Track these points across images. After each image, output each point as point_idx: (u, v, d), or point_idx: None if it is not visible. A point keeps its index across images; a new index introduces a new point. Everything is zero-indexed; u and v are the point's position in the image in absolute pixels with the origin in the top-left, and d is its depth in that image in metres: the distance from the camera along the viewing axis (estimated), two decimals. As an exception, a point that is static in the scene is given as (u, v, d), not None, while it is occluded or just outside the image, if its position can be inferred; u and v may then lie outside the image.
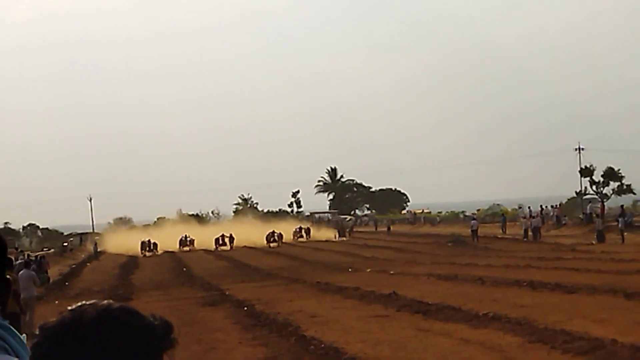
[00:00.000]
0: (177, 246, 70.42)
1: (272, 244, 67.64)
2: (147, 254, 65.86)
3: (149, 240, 69.97)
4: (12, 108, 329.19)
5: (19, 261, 26.66)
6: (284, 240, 70.18)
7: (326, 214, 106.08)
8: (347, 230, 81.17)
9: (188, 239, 72.11)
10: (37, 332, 1.53)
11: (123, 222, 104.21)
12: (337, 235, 76.23)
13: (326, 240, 72.02)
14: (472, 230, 57.03)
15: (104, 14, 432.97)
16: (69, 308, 1.55)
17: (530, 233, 55.22)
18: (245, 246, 67.31)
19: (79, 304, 1.56)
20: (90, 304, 1.54)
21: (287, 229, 75.83)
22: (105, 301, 1.56)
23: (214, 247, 67.96)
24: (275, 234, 70.13)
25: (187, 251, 67.75)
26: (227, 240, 69.35)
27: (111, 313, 1.53)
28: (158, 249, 68.87)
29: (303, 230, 78.77)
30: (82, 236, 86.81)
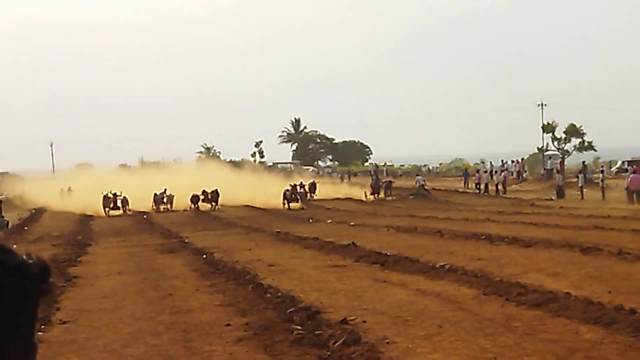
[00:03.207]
0: (152, 204, 51.16)
1: (292, 204, 48.93)
2: (113, 212, 48.99)
3: (114, 194, 49.79)
4: None
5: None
6: None
7: (288, 164, 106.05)
8: (383, 186, 56.11)
9: (165, 194, 51.54)
10: None
11: (84, 167, 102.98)
12: (370, 194, 55.53)
13: (351, 199, 54.12)
14: (419, 186, 56.02)
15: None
16: None
17: (491, 187, 55.78)
18: (248, 205, 49.67)
19: None
20: None
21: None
22: None
23: (190, 205, 50.17)
24: (299, 190, 51.00)
25: (164, 211, 50.02)
26: (209, 196, 50.07)
27: None
28: (128, 206, 50.38)
29: (306, 187, 53.57)
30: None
